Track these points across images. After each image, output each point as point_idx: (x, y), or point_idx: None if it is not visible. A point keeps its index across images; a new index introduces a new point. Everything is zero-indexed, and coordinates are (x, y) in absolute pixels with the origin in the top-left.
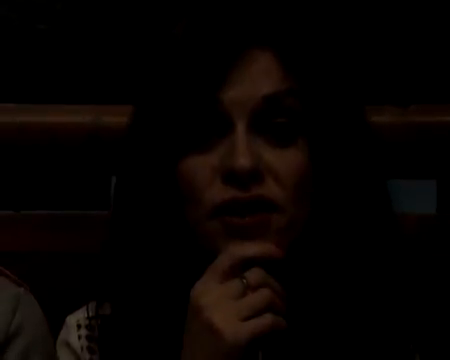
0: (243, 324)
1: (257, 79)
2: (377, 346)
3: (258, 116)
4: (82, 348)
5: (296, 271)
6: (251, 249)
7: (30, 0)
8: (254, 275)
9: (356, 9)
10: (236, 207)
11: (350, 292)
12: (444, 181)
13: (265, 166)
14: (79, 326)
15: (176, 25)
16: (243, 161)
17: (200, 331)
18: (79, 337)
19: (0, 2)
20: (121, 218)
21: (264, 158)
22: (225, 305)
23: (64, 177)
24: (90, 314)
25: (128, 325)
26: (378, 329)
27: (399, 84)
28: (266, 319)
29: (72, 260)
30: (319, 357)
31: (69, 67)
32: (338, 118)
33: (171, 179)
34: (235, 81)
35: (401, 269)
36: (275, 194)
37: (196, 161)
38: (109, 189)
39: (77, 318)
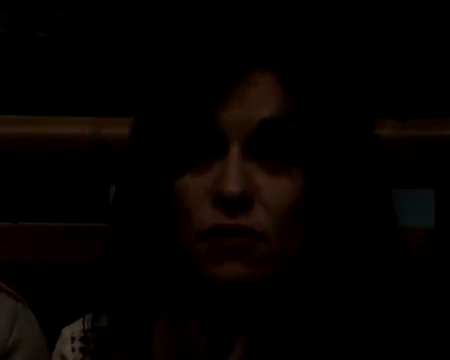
0: None
1: (256, 102)
2: None
3: (254, 140)
4: None
5: (294, 296)
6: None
7: (30, 9)
8: None
9: (357, 25)
10: (223, 234)
11: (350, 322)
12: (442, 193)
13: (256, 192)
14: (73, 338)
15: (177, 38)
16: (232, 187)
17: None
18: (72, 349)
19: (0, 10)
20: (118, 232)
21: (255, 183)
22: None
23: (63, 189)
24: (86, 327)
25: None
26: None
27: (398, 98)
28: None
29: (70, 272)
30: None
31: (69, 75)
32: (340, 146)
33: (166, 196)
34: (233, 102)
35: (404, 300)
36: (262, 224)
37: (190, 181)
38: (107, 200)
39: (72, 330)
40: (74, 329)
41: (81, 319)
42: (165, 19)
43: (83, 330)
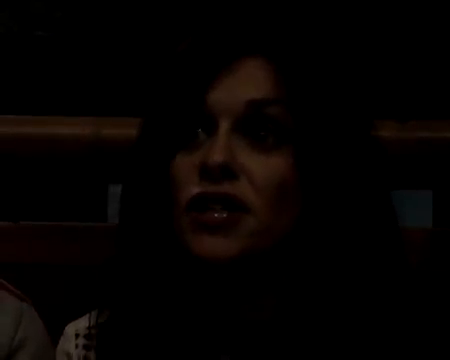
0: None
1: (244, 84)
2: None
3: (242, 120)
4: (79, 357)
5: (288, 272)
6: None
7: (29, 8)
8: None
9: (355, 24)
10: (205, 202)
11: (342, 309)
12: (440, 194)
13: (241, 167)
14: (77, 335)
15: (173, 32)
16: (216, 157)
17: None
18: (76, 346)
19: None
20: (124, 226)
21: (241, 159)
22: None
23: (63, 188)
24: (91, 323)
25: (126, 334)
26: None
27: (398, 99)
28: None
29: (70, 272)
30: None
31: (68, 74)
32: (330, 131)
33: (163, 183)
34: (223, 85)
35: (402, 291)
36: (247, 196)
37: (182, 161)
38: (106, 200)
39: (76, 327)
40: (78, 326)
41: (86, 316)
42: (164, 17)
43: (88, 327)
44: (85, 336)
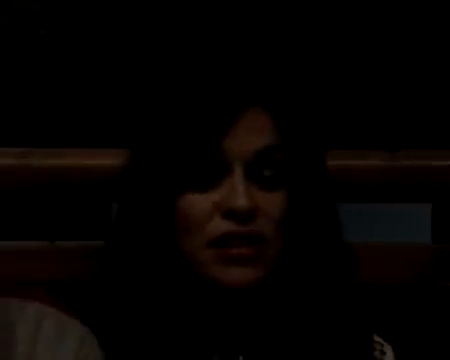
0: None
1: (254, 133)
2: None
3: (252, 165)
4: None
5: (273, 290)
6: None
7: (30, 7)
8: None
9: (346, 62)
10: (233, 239)
11: (315, 306)
12: (437, 213)
13: (257, 206)
14: None
15: (180, 68)
16: (243, 202)
17: None
18: None
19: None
20: (119, 249)
21: (256, 198)
22: None
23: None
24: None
25: (126, 352)
26: (338, 332)
27: (388, 130)
28: None
29: None
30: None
31: (69, 73)
32: (310, 168)
33: (167, 214)
34: (235, 134)
35: (351, 286)
36: (265, 229)
37: (195, 198)
38: None
39: None
40: None
41: None
42: (164, 17)
43: None
44: None
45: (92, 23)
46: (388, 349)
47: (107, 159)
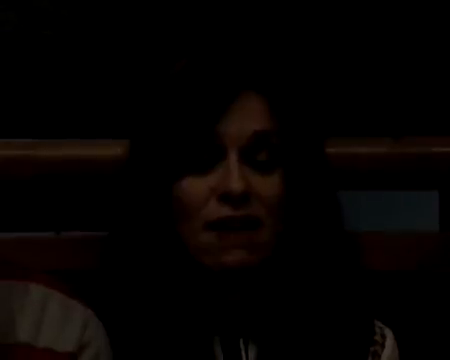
0: None
1: (249, 118)
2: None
3: (247, 149)
4: None
5: (272, 273)
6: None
7: (36, 6)
8: None
9: (347, 47)
10: (229, 223)
11: (314, 289)
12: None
13: (251, 189)
14: None
15: (176, 58)
16: (237, 185)
17: None
18: None
19: (6, 8)
20: (118, 235)
21: (251, 182)
22: None
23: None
24: None
25: (127, 336)
26: (335, 317)
27: (392, 117)
28: None
29: None
30: (297, 347)
31: (74, 73)
32: (307, 153)
33: (165, 199)
34: (230, 119)
35: (350, 270)
36: (260, 213)
37: (192, 182)
38: None
39: None
40: None
41: None
42: (170, 16)
43: None
44: None
45: (92, 18)
46: (389, 333)
47: (111, 150)
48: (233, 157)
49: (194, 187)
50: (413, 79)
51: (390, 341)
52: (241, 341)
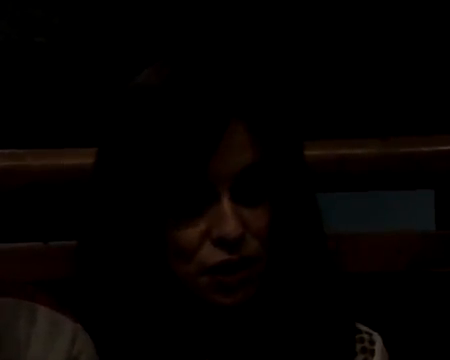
0: None
1: (236, 153)
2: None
3: (236, 187)
4: None
5: (258, 300)
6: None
7: (28, 14)
8: None
9: (335, 50)
10: (226, 267)
11: (300, 313)
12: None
13: (245, 228)
14: None
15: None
16: (232, 230)
17: None
18: None
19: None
20: (111, 274)
21: (244, 218)
22: None
23: None
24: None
25: (118, 351)
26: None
27: (379, 118)
28: None
29: None
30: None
31: (67, 80)
32: (291, 182)
33: (158, 240)
34: (219, 155)
35: (335, 290)
36: (255, 249)
37: (184, 225)
38: None
39: None
40: None
41: None
42: (165, 23)
43: None
44: None
45: (84, 26)
46: (377, 338)
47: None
48: (226, 199)
49: (187, 231)
50: (400, 81)
51: (379, 346)
52: None
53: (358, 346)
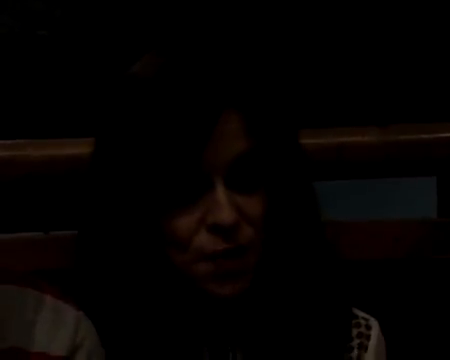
0: None
1: (229, 142)
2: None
3: (230, 175)
4: None
5: (258, 285)
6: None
7: (30, 7)
8: None
9: (333, 40)
10: (223, 255)
11: (298, 299)
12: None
13: (239, 211)
14: None
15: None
16: (227, 217)
17: None
18: None
19: (1, 10)
20: (109, 264)
21: (238, 205)
22: None
23: None
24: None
25: (117, 342)
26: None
27: (379, 106)
28: None
29: None
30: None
31: (70, 73)
32: (286, 169)
33: (154, 230)
34: (214, 144)
35: (332, 279)
36: (250, 237)
37: (180, 214)
38: None
39: None
40: None
41: None
42: (167, 16)
43: None
44: None
45: (86, 19)
46: (374, 323)
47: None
48: (220, 185)
49: (182, 219)
50: (399, 69)
51: (376, 331)
52: (230, 355)
53: (354, 331)
